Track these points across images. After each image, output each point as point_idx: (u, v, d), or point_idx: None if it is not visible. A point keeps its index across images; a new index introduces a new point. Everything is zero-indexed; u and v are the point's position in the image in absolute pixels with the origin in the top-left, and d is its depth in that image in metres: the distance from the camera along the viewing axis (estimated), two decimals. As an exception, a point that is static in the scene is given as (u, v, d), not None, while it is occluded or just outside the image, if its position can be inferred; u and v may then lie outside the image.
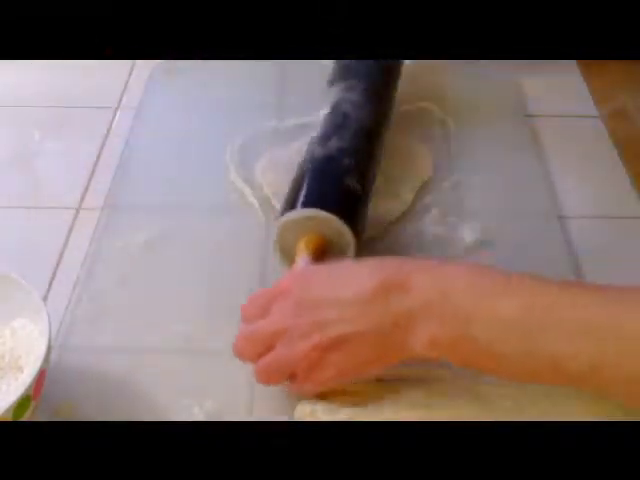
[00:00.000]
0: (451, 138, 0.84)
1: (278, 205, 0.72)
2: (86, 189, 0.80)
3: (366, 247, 0.68)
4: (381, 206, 0.74)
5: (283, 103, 0.89)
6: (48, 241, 0.73)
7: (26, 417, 0.53)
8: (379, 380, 0.57)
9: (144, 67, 0.95)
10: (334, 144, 0.70)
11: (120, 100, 0.91)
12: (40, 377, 0.53)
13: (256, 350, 0.56)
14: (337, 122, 0.73)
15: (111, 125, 0.88)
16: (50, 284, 0.69)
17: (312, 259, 0.63)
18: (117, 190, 0.79)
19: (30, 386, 0.52)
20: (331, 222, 0.63)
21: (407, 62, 0.85)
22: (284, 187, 0.69)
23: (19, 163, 0.84)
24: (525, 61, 0.87)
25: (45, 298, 0.67)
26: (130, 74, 0.95)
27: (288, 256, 0.66)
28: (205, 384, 0.61)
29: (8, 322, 0.59)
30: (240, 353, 0.58)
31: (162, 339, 0.64)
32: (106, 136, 0.86)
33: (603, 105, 0.89)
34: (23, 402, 0.52)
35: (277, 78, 0.94)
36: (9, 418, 0.51)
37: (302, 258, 0.63)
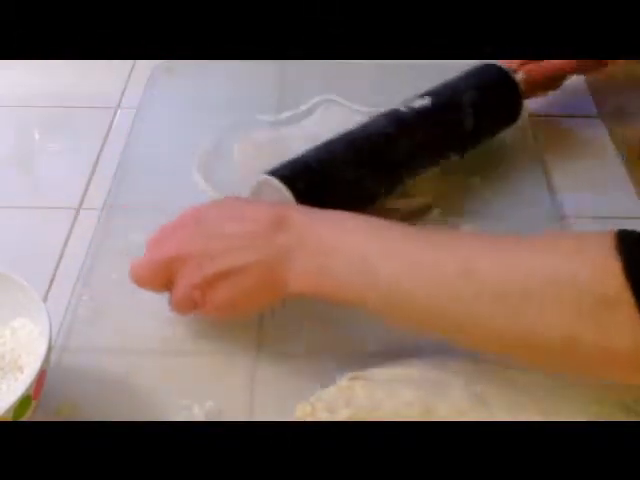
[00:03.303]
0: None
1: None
2: (86, 189, 0.80)
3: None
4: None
5: (283, 103, 0.89)
6: (48, 241, 0.73)
7: (26, 417, 0.53)
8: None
9: (144, 67, 0.95)
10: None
11: (120, 100, 0.91)
12: (40, 377, 0.53)
13: (154, 277, 0.61)
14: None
15: (111, 125, 0.88)
16: (50, 284, 0.69)
17: None
18: (117, 190, 0.79)
19: (30, 386, 0.52)
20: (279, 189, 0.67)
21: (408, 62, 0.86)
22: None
23: (19, 163, 0.84)
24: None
25: (45, 298, 0.67)
26: (130, 74, 0.95)
27: None
28: (205, 384, 0.61)
29: (8, 322, 0.59)
30: (138, 279, 0.62)
31: (162, 339, 0.64)
32: (106, 136, 0.86)
33: (603, 105, 0.89)
34: (23, 402, 0.52)
35: (277, 78, 0.94)
36: (9, 418, 0.51)
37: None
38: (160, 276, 0.61)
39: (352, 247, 0.56)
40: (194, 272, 0.59)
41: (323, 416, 0.56)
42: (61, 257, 0.72)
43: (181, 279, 0.60)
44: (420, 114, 0.74)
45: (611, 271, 0.47)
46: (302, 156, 0.71)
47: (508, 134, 0.84)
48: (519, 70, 0.78)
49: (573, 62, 0.79)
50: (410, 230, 0.58)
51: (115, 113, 0.89)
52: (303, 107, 0.87)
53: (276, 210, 0.59)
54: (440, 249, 0.54)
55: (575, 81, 0.90)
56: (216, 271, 0.58)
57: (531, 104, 0.88)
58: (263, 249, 0.58)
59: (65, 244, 0.73)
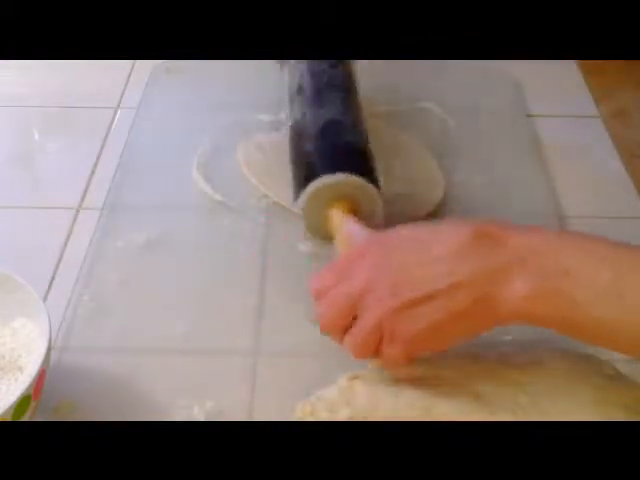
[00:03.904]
0: (451, 138, 0.84)
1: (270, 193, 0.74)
2: (86, 189, 0.80)
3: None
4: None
5: (283, 103, 0.89)
6: (48, 241, 0.73)
7: (26, 417, 0.53)
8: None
9: (144, 67, 0.95)
10: (327, 112, 0.72)
11: (120, 100, 0.91)
12: (40, 377, 0.53)
13: (342, 315, 0.54)
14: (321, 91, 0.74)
15: (111, 125, 0.88)
16: (50, 284, 0.69)
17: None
18: (117, 190, 0.79)
19: (30, 386, 0.52)
20: (362, 187, 0.66)
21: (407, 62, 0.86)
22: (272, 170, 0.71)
23: (19, 163, 0.84)
24: (525, 61, 0.87)
25: (45, 298, 0.67)
26: (130, 74, 0.95)
27: (314, 225, 0.68)
28: (205, 384, 0.61)
29: (8, 322, 0.59)
30: (328, 325, 0.55)
31: (162, 339, 0.64)
32: (106, 136, 0.86)
33: (603, 105, 0.89)
34: (23, 402, 0.52)
35: (277, 78, 0.94)
36: (9, 418, 0.51)
37: (348, 221, 0.63)
38: (346, 313, 0.54)
39: (592, 268, 0.49)
40: (386, 300, 0.52)
41: (323, 416, 0.56)
42: (61, 257, 0.72)
43: (367, 311, 0.53)
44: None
45: None
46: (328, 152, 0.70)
47: (508, 134, 0.84)
48: None
49: None
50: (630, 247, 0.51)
51: (115, 113, 0.89)
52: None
53: (476, 226, 0.52)
54: None
55: (575, 81, 0.90)
56: (418, 295, 0.51)
57: (531, 104, 0.88)
58: (472, 268, 0.51)
59: (65, 244, 0.73)
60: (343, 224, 0.64)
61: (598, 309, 0.49)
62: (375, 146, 0.73)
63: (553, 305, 0.50)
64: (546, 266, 0.50)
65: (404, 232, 0.56)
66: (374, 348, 0.54)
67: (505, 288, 0.50)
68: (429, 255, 0.52)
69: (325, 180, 0.66)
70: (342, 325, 0.54)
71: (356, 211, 0.66)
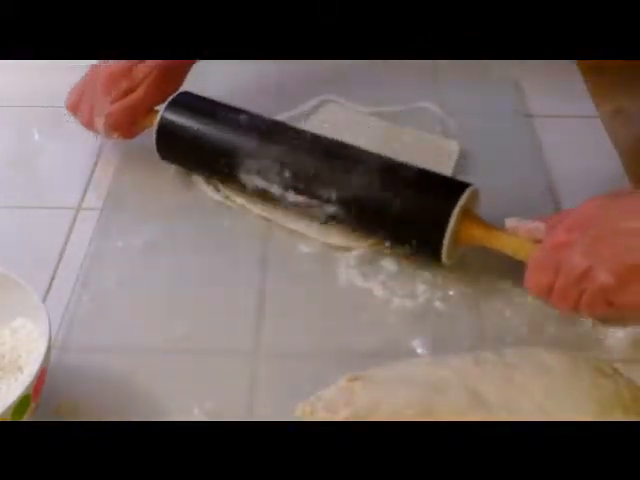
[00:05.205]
0: (451, 138, 0.84)
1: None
2: (86, 189, 0.80)
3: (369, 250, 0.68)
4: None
5: (283, 103, 0.89)
6: (48, 241, 0.73)
7: (26, 417, 0.53)
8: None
9: (144, 67, 0.95)
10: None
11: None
12: (40, 377, 0.53)
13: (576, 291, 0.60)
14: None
15: (111, 125, 0.88)
16: (50, 284, 0.69)
17: None
18: (117, 190, 0.79)
19: (30, 386, 0.52)
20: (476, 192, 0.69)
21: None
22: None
23: (19, 163, 0.84)
24: (525, 61, 0.87)
25: (45, 298, 0.67)
26: (130, 74, 0.95)
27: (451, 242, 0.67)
28: (205, 384, 0.61)
29: (8, 322, 0.59)
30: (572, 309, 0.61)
31: (162, 339, 0.64)
32: (106, 136, 0.86)
33: (603, 105, 0.89)
34: (23, 402, 0.52)
35: (277, 78, 0.94)
36: (9, 418, 0.51)
37: (517, 220, 0.66)
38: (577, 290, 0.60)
39: None
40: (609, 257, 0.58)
41: (323, 416, 0.56)
42: (61, 257, 0.72)
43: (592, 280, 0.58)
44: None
45: None
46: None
47: (508, 134, 0.84)
48: None
49: None
50: None
51: (115, 113, 0.89)
52: (303, 107, 0.87)
53: None
54: None
55: (575, 81, 0.90)
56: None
57: (531, 104, 0.88)
58: None
59: (65, 244, 0.73)
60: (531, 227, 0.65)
61: None
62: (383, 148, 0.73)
63: None
64: None
65: (598, 205, 0.60)
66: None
67: None
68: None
69: (465, 197, 0.67)
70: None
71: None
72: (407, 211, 0.68)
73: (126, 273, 0.70)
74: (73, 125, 0.82)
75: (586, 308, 0.60)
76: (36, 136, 0.87)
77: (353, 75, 0.92)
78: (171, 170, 0.80)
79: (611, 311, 0.60)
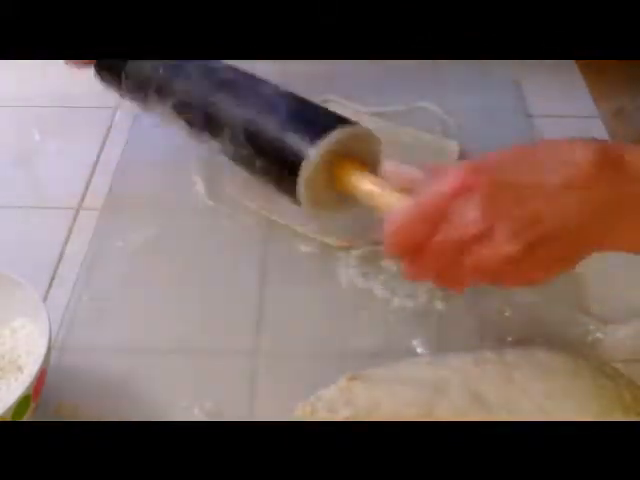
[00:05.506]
0: (451, 138, 0.84)
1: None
2: (86, 189, 0.80)
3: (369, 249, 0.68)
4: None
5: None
6: (48, 241, 0.73)
7: (26, 417, 0.53)
8: None
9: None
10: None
11: (120, 100, 0.91)
12: (40, 377, 0.53)
13: (450, 265, 0.47)
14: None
15: (111, 125, 0.88)
16: (50, 284, 0.69)
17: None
18: (117, 190, 0.79)
19: (30, 386, 0.52)
20: (366, 134, 0.59)
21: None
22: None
23: (19, 163, 0.84)
24: (525, 61, 0.87)
25: (45, 298, 0.67)
26: (130, 74, 0.95)
27: (315, 197, 0.58)
28: (205, 384, 0.61)
29: (8, 322, 0.59)
30: (431, 273, 0.49)
31: (162, 339, 0.64)
32: (106, 136, 0.86)
33: (603, 105, 0.89)
34: (23, 402, 0.52)
35: (277, 78, 0.94)
36: (9, 418, 0.51)
37: (395, 165, 0.55)
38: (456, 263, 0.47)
39: None
40: (504, 244, 0.45)
41: (323, 416, 0.56)
42: (61, 257, 0.72)
43: (483, 249, 0.46)
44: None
45: None
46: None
47: (508, 134, 0.84)
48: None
49: None
50: None
51: (115, 113, 0.89)
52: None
53: (602, 150, 0.46)
54: None
55: (575, 81, 0.90)
56: (539, 236, 0.45)
57: (531, 104, 0.88)
58: (601, 199, 0.45)
59: (65, 244, 0.73)
60: (373, 178, 0.55)
61: None
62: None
63: None
64: None
65: (511, 156, 0.48)
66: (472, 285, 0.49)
67: (611, 224, 0.46)
68: (548, 183, 0.46)
69: (330, 138, 0.57)
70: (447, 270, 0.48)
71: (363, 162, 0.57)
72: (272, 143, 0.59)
73: (126, 273, 0.70)
74: (73, 125, 0.82)
75: (469, 274, 0.48)
76: (36, 136, 0.87)
77: (353, 75, 0.92)
78: (171, 170, 0.80)
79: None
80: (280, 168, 0.59)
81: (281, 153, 0.59)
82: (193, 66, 0.69)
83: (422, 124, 0.85)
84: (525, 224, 0.45)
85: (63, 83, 0.94)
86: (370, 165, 0.58)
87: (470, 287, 0.50)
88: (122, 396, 0.60)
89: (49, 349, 0.55)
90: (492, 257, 0.46)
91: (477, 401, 0.55)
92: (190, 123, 0.68)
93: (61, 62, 0.89)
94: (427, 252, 0.47)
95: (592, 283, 0.68)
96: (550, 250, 0.46)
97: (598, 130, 0.86)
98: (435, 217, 0.47)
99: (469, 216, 0.46)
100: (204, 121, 0.66)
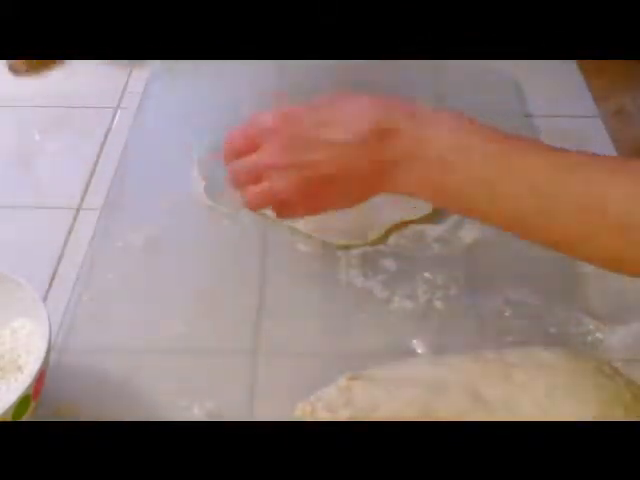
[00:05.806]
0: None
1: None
2: (86, 189, 0.80)
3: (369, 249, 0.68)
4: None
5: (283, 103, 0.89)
6: (48, 241, 0.73)
7: (26, 417, 0.53)
8: None
9: (144, 67, 0.95)
10: None
11: (120, 100, 0.91)
12: (40, 377, 0.53)
13: (249, 180, 0.60)
14: None
15: (111, 125, 0.88)
16: (50, 284, 0.69)
17: None
18: (117, 190, 0.79)
19: (30, 386, 0.52)
20: None
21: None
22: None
23: (19, 163, 0.84)
24: (525, 61, 0.87)
25: (45, 298, 0.67)
26: (130, 74, 0.95)
27: None
28: (205, 384, 0.61)
29: (8, 322, 0.59)
30: (236, 182, 0.61)
31: (162, 339, 0.64)
32: (106, 136, 0.86)
33: (603, 105, 0.89)
34: (23, 402, 0.52)
35: (277, 78, 0.94)
36: (9, 418, 0.51)
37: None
38: (256, 179, 0.59)
39: (471, 167, 0.55)
40: (291, 176, 0.58)
41: (323, 416, 0.56)
42: (61, 257, 0.72)
43: (276, 179, 0.58)
44: None
45: None
46: None
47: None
48: None
49: None
50: (531, 146, 0.58)
51: (115, 113, 0.90)
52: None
53: (378, 116, 0.57)
54: (565, 171, 0.52)
55: (575, 81, 0.90)
56: (317, 177, 0.57)
57: (531, 104, 0.88)
58: (362, 162, 0.56)
59: (65, 244, 0.73)
60: None
61: (472, 206, 0.55)
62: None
63: (437, 196, 0.56)
64: (431, 158, 0.55)
65: (313, 110, 0.60)
66: (265, 206, 0.61)
67: (393, 179, 0.56)
68: (331, 139, 0.57)
69: None
70: (248, 184, 0.60)
71: None
72: None
73: (126, 273, 0.70)
74: (73, 125, 0.82)
75: (267, 194, 0.59)
76: (36, 136, 0.87)
77: (353, 75, 0.92)
78: (171, 170, 0.80)
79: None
80: None
81: None
82: None
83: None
84: (304, 165, 0.57)
85: (63, 83, 0.94)
86: None
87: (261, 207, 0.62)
88: (122, 396, 0.60)
89: (49, 349, 0.55)
90: (277, 184, 0.58)
91: (477, 401, 0.55)
92: None
93: (60, 62, 0.89)
94: (236, 164, 0.61)
95: (592, 283, 0.68)
96: (326, 188, 0.57)
97: (598, 130, 0.86)
98: (251, 139, 0.60)
99: (268, 150, 0.59)
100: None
